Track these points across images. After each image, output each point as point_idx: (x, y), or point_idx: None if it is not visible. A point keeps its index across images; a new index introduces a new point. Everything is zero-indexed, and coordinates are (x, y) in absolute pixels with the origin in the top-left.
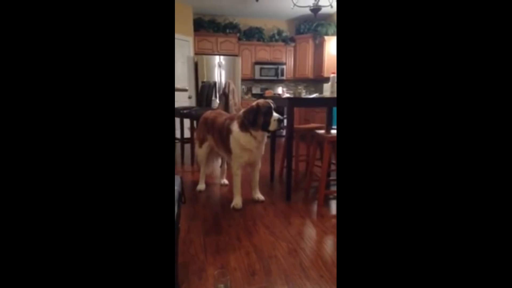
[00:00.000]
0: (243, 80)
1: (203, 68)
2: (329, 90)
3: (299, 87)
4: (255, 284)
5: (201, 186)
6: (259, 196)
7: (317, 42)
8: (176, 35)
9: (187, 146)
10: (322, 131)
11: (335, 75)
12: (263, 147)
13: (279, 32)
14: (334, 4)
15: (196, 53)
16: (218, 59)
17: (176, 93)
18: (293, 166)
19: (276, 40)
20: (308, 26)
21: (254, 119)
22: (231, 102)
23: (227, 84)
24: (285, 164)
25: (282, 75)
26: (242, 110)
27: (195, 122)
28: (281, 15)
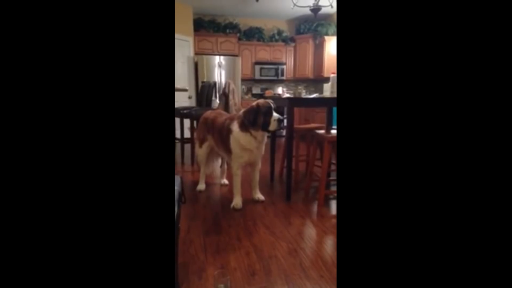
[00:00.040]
0: (243, 80)
1: (203, 68)
2: (329, 90)
3: (299, 87)
4: (255, 284)
5: (201, 186)
6: (259, 196)
7: (317, 42)
8: (176, 35)
9: (187, 146)
10: (322, 131)
11: (335, 75)
12: (263, 147)
13: (279, 32)
14: (334, 4)
15: (196, 53)
16: (218, 59)
17: (176, 93)
18: (293, 166)
19: (276, 40)
20: (308, 26)
21: (254, 119)
22: (231, 102)
23: (227, 84)
24: (285, 164)
25: (282, 75)
26: (242, 110)
27: (195, 122)
28: (281, 15)
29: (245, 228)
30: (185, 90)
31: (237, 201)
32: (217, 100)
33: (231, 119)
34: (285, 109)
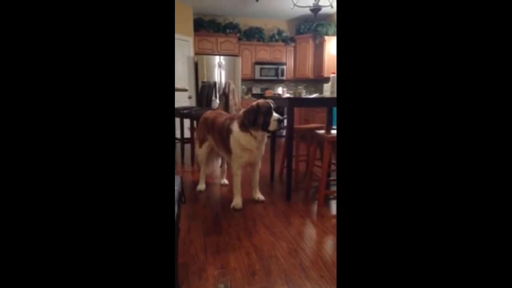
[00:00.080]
0: (243, 80)
1: (203, 68)
2: (329, 90)
3: (299, 87)
4: (255, 284)
5: (201, 186)
6: (259, 196)
7: (317, 42)
8: (176, 35)
9: (187, 146)
10: (322, 131)
11: (335, 75)
12: (263, 147)
13: (279, 32)
14: (334, 4)
15: (196, 53)
16: (218, 59)
17: (176, 93)
18: (293, 166)
19: (276, 40)
20: (308, 26)
21: (254, 119)
22: (231, 102)
23: (227, 84)
24: (285, 164)
25: (282, 75)
26: (242, 110)
27: (195, 122)
28: (281, 15)
29: (245, 228)
30: (185, 90)
31: (237, 201)
32: (217, 100)
33: (231, 119)
34: (285, 109)
